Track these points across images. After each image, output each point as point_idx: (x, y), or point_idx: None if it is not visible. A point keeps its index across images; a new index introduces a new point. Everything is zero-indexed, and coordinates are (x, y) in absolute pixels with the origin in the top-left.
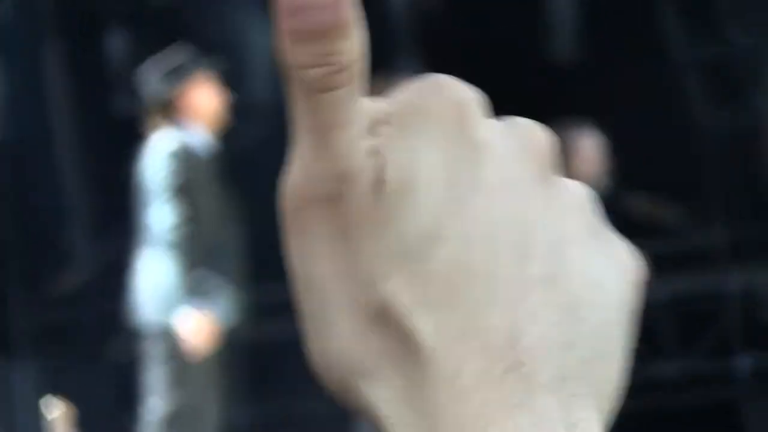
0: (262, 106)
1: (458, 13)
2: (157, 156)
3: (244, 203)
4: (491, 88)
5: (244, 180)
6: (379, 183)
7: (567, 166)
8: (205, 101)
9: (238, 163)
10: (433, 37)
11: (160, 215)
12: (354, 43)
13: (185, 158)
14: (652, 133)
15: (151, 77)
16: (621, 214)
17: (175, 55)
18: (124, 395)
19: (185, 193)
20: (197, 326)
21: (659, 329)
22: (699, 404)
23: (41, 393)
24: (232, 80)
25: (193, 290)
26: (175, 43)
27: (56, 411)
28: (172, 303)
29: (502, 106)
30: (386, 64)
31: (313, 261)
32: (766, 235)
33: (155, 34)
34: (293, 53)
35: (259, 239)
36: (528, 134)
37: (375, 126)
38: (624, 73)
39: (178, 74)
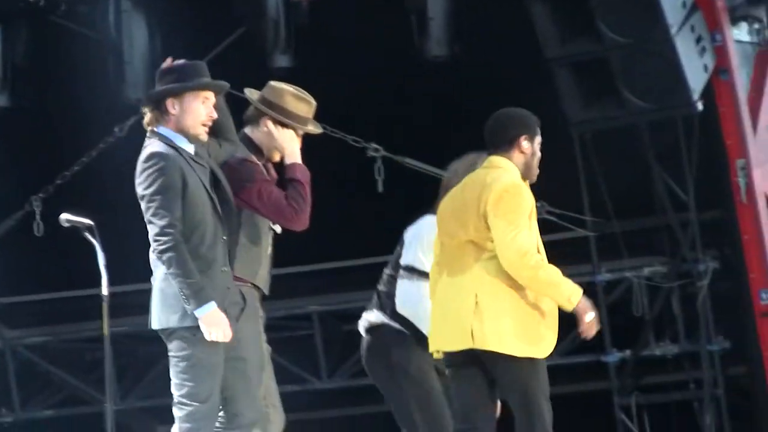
0: None
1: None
2: (139, 162)
3: None
4: (364, 84)
5: None
6: None
7: None
8: (197, 112)
9: None
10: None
11: (149, 224)
12: None
13: (166, 160)
14: None
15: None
16: None
17: (188, 63)
18: None
19: (169, 197)
20: (214, 320)
21: None
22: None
23: None
24: None
25: (196, 291)
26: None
27: None
28: (173, 308)
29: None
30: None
31: None
32: (635, 232)
33: None
34: None
35: None
36: None
37: None
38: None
39: (180, 79)
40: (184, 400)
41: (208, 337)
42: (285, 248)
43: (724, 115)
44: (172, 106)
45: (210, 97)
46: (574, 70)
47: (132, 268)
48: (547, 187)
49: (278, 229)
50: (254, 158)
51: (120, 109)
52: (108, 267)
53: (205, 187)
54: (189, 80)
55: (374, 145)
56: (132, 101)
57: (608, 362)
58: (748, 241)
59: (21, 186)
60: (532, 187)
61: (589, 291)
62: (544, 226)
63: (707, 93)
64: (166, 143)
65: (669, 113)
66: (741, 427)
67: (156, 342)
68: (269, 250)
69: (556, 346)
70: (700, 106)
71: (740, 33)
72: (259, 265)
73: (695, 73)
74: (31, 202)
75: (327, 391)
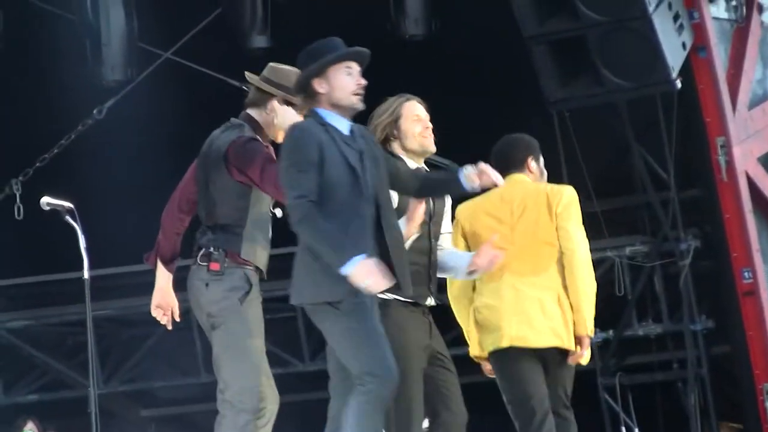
0: None
1: None
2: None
3: None
4: None
5: None
6: None
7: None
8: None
9: None
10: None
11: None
12: None
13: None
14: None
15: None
16: None
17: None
18: None
19: (300, 169)
20: (367, 271)
21: None
22: None
23: None
24: None
25: (338, 249)
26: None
27: None
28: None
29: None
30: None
31: None
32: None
33: None
34: None
35: None
36: None
37: None
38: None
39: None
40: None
41: (366, 289)
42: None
43: (702, 93)
44: (319, 85)
45: (353, 66)
46: (552, 48)
47: (113, 251)
48: None
49: (279, 213)
50: (260, 138)
51: (98, 91)
52: (89, 250)
53: (348, 165)
54: (328, 55)
55: None
56: (110, 83)
57: (592, 342)
58: (729, 220)
59: (0, 169)
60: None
61: None
62: None
63: (685, 70)
64: (318, 121)
65: (648, 91)
66: (725, 407)
67: (139, 326)
68: (270, 233)
69: None
70: (678, 83)
71: (718, 10)
72: (261, 247)
73: (673, 50)
74: (11, 185)
75: (310, 374)
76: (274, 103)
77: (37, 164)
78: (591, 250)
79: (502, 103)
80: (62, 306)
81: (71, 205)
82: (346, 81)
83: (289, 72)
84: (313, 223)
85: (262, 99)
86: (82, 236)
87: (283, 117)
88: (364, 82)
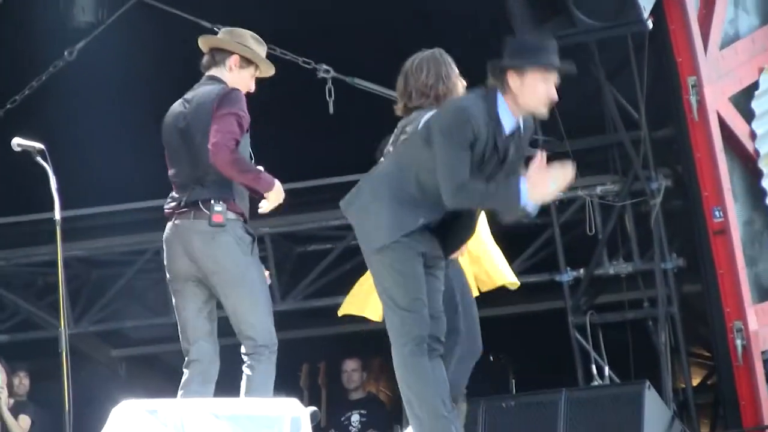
0: None
1: None
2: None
3: None
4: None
5: None
6: None
7: None
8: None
9: None
10: None
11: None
12: None
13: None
14: None
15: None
16: None
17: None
18: None
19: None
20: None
21: None
22: None
23: None
24: None
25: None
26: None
27: None
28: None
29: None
30: None
31: None
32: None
33: None
34: None
35: None
36: None
37: None
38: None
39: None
40: None
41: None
42: None
43: (674, 33)
44: (513, 80)
45: (550, 76)
46: None
47: (84, 192)
48: None
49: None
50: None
51: (69, 32)
52: (60, 191)
53: (498, 157)
54: (534, 58)
55: (325, 66)
56: (81, 24)
57: (562, 281)
58: (700, 159)
59: None
60: None
61: (542, 210)
62: None
63: (657, 10)
64: (487, 104)
65: (619, 31)
66: (695, 345)
67: (109, 266)
68: None
69: (510, 265)
70: (650, 24)
71: None
72: (245, 195)
73: None
74: None
75: (280, 313)
76: (233, 61)
77: (8, 106)
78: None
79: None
80: (33, 246)
81: (42, 146)
82: (539, 89)
83: (243, 32)
84: (471, 192)
85: (222, 58)
86: (53, 177)
87: (239, 73)
88: (555, 97)
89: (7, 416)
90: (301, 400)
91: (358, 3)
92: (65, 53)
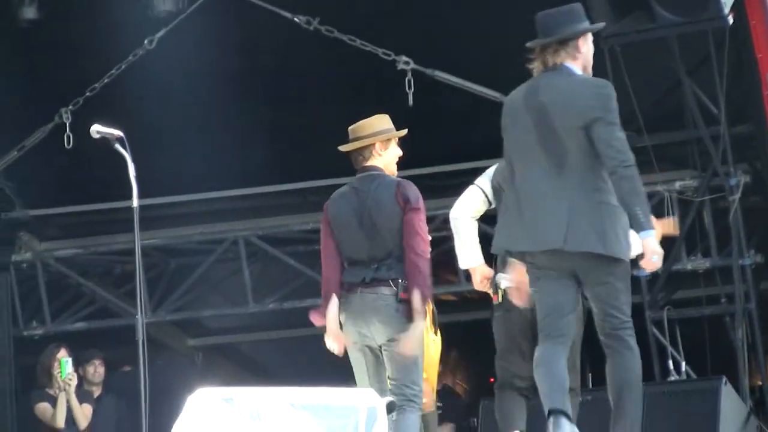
0: None
1: None
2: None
3: None
4: None
5: None
6: None
7: None
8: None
9: None
10: None
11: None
12: None
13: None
14: None
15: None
16: None
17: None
18: None
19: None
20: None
21: None
22: None
23: None
24: None
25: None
26: None
27: None
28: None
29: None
30: None
31: None
32: (666, 146)
33: None
34: None
35: None
36: None
37: None
38: None
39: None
40: None
41: (651, 263)
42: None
43: (754, 29)
44: (583, 44)
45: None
46: None
47: (162, 181)
48: None
49: None
50: None
51: (150, 21)
52: (139, 179)
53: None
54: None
55: (405, 58)
56: (161, 13)
57: (640, 276)
58: None
59: (51, 98)
60: None
61: None
62: None
63: (738, 6)
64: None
65: (699, 26)
66: None
67: (187, 255)
68: None
69: None
70: (730, 19)
71: None
72: None
73: None
74: (61, 114)
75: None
76: (377, 148)
77: (87, 93)
78: (642, 184)
79: None
80: (111, 235)
81: (121, 134)
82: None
83: (364, 123)
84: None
85: (369, 151)
86: (132, 165)
87: (391, 152)
88: None
89: (74, 404)
90: None
91: None
92: (145, 42)
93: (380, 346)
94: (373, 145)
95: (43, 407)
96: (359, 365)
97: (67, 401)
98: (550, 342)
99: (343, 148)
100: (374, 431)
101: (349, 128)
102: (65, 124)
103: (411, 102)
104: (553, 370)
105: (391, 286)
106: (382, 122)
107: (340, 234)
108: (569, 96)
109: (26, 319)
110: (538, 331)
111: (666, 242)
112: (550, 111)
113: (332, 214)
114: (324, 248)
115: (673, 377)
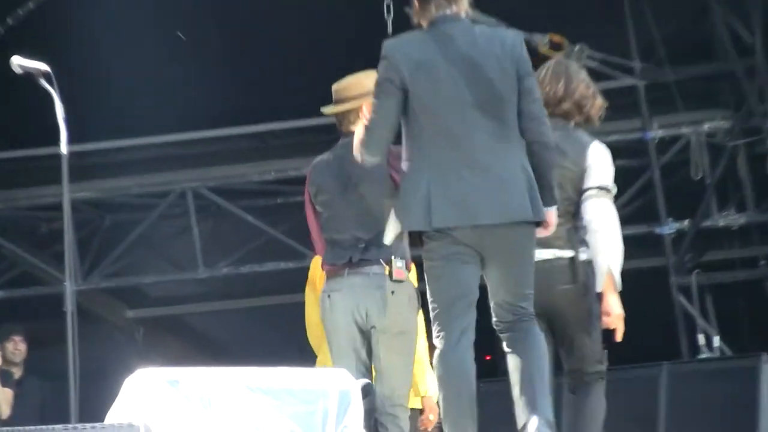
0: None
1: None
2: None
3: None
4: None
5: None
6: None
7: None
8: None
9: None
10: None
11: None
12: None
13: None
14: None
15: None
16: None
17: None
18: None
19: None
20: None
21: None
22: None
23: None
24: None
25: None
26: None
27: None
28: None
29: None
30: None
31: None
32: (693, 81)
33: None
34: None
35: None
36: None
37: None
38: None
39: None
40: None
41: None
42: None
43: None
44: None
45: None
46: None
47: (96, 124)
48: (586, 28)
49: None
50: None
51: None
52: (68, 121)
53: None
54: None
55: None
56: None
57: (663, 234)
58: None
59: None
60: (569, 28)
61: (639, 150)
62: None
63: None
64: None
65: None
66: None
67: (126, 210)
68: None
69: None
70: None
71: None
72: None
73: None
74: None
75: None
76: (364, 111)
77: (9, 21)
78: (663, 126)
79: None
80: (35, 187)
81: (47, 68)
82: None
83: (350, 83)
84: None
85: (355, 114)
86: (60, 104)
87: None
88: None
89: None
90: None
91: None
92: None
93: (372, 329)
94: (360, 108)
95: None
96: (344, 353)
97: None
98: (464, 337)
99: (326, 110)
100: (347, 419)
101: (333, 87)
102: None
103: (390, 30)
104: (470, 383)
105: (382, 264)
106: (370, 80)
107: (323, 209)
108: (498, 46)
109: None
110: (436, 323)
111: (693, 192)
112: (483, 65)
113: (314, 185)
114: (311, 223)
115: (704, 354)
